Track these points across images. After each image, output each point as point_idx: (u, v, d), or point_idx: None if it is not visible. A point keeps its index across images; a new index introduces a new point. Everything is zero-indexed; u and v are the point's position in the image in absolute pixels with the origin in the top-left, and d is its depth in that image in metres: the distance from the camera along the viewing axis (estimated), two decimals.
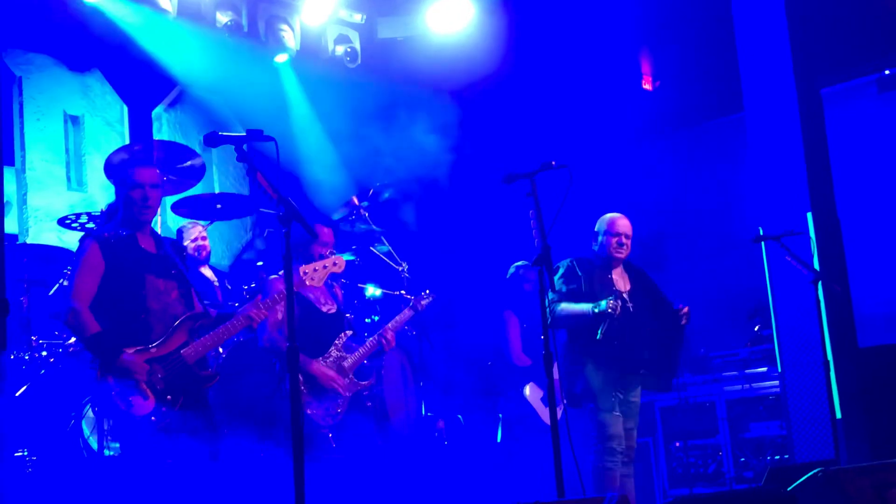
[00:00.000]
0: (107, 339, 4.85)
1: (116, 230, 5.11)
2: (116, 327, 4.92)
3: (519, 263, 8.29)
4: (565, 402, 6.16)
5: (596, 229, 6.55)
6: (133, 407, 4.78)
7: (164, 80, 9.25)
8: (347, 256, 7.74)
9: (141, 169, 5.20)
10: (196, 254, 7.51)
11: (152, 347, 4.92)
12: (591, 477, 6.17)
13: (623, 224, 6.48)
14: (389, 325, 6.52)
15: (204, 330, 5.16)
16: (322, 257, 6.05)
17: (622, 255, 6.48)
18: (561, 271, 6.43)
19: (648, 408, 8.66)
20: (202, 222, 7.73)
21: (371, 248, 8.34)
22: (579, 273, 6.43)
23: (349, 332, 6.32)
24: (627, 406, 6.35)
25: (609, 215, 6.56)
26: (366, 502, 5.96)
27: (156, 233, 5.32)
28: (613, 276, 6.50)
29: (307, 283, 5.63)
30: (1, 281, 4.74)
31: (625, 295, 6.33)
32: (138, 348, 4.87)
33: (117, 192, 5.23)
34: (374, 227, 8.36)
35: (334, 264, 5.74)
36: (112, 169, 5.36)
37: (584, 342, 6.26)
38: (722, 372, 8.80)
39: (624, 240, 6.44)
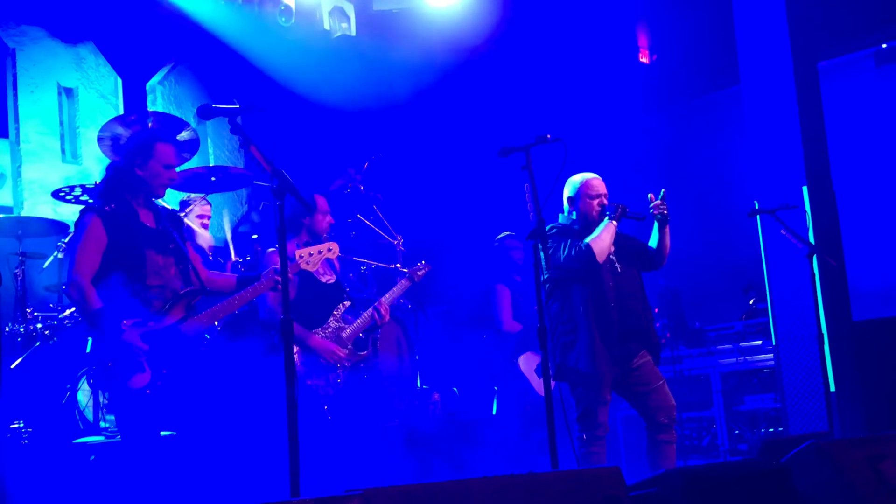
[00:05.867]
0: (108, 314, 4.84)
1: (120, 203, 5.07)
2: (117, 302, 4.91)
3: (502, 235, 8.32)
4: (552, 373, 5.77)
5: (569, 195, 6.07)
6: (130, 380, 4.79)
7: (158, 53, 9.22)
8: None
9: (170, 147, 5.20)
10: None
11: (150, 321, 4.93)
12: (578, 461, 5.83)
13: (599, 184, 6.07)
14: (384, 298, 6.53)
15: (201, 305, 5.17)
16: (317, 238, 6.08)
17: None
18: (554, 231, 5.99)
19: None
20: (205, 196, 7.70)
21: (366, 221, 8.34)
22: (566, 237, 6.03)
23: (347, 303, 6.34)
24: (637, 370, 5.95)
25: (580, 177, 6.08)
26: (361, 474, 5.99)
27: (155, 206, 5.29)
28: None
29: (302, 266, 5.64)
30: None
31: (612, 255, 6.00)
32: (136, 321, 4.88)
33: (134, 162, 5.14)
34: (369, 199, 8.36)
35: (329, 250, 5.75)
36: (138, 138, 5.28)
37: (579, 307, 5.93)
38: (716, 345, 8.82)
39: (604, 200, 6.01)
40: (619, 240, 6.11)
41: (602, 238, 5.87)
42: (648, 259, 6.16)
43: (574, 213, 6.07)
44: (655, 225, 6.05)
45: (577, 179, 6.10)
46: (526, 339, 7.96)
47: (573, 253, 5.85)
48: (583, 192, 6.05)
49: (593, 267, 5.86)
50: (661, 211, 5.96)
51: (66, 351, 6.44)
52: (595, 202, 6.01)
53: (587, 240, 5.87)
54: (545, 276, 6.00)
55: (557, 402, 4.94)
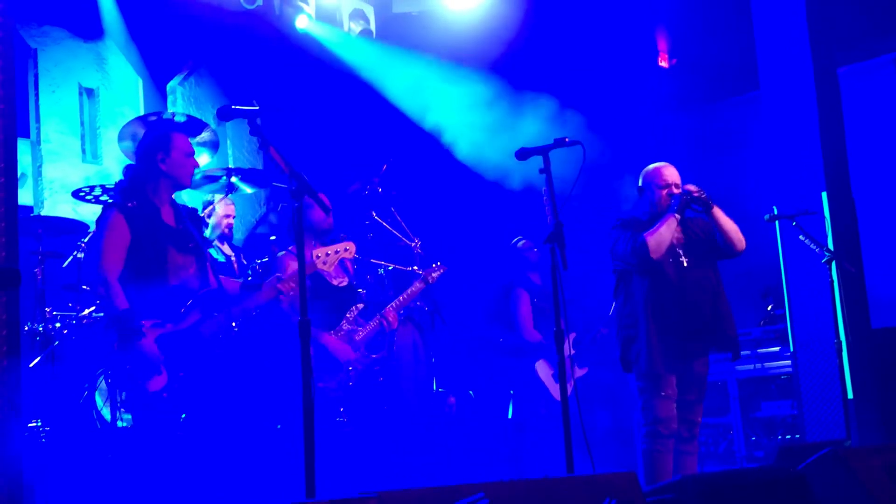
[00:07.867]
0: (132, 315, 4.83)
1: (142, 200, 5.08)
2: (138, 301, 4.91)
3: (515, 240, 8.39)
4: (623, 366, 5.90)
5: (640, 184, 5.97)
6: (147, 382, 4.81)
7: (178, 54, 9.26)
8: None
9: (184, 135, 5.23)
10: (227, 230, 7.58)
11: (169, 323, 4.94)
12: (640, 459, 5.92)
13: (671, 173, 5.91)
14: (394, 303, 6.56)
15: (220, 306, 5.17)
16: (333, 241, 6.09)
17: None
18: (619, 223, 5.90)
19: None
20: (227, 195, 7.71)
21: (384, 223, 8.35)
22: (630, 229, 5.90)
23: (360, 306, 6.36)
24: (689, 375, 5.89)
25: (653, 166, 5.98)
26: (376, 476, 5.99)
27: (176, 204, 5.31)
28: None
29: (318, 266, 5.65)
30: (15, 252, 4.78)
31: (678, 249, 5.87)
32: (155, 322, 4.88)
33: (155, 158, 5.15)
34: (387, 201, 8.37)
35: (346, 250, 5.76)
36: (153, 133, 5.29)
37: (639, 301, 5.80)
38: None
39: (674, 190, 5.84)
40: (694, 232, 6.00)
41: (660, 232, 5.72)
42: (719, 249, 5.99)
43: (646, 203, 5.95)
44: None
45: (648, 169, 5.98)
46: (544, 342, 7.95)
47: (629, 247, 5.75)
48: (652, 181, 5.94)
49: (650, 261, 5.74)
50: (687, 199, 5.80)
51: (84, 350, 6.46)
52: (664, 192, 5.88)
53: (644, 233, 5.75)
54: (613, 268, 5.98)
55: (573, 406, 4.93)
